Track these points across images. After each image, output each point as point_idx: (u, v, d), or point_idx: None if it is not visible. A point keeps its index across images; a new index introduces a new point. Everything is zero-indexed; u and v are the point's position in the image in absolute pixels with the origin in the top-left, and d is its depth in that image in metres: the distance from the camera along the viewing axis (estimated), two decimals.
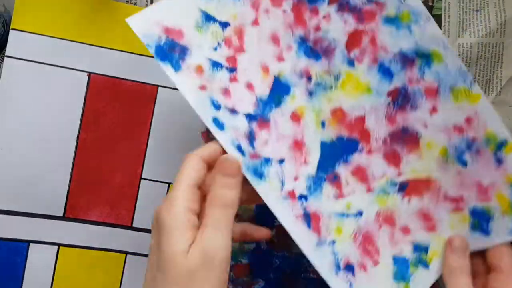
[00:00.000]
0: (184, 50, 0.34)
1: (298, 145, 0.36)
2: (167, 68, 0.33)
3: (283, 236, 0.42)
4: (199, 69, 0.34)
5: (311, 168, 0.36)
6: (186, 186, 0.28)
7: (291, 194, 0.35)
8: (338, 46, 0.36)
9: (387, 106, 0.36)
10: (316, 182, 0.36)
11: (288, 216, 0.35)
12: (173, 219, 0.26)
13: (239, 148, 0.34)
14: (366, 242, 0.37)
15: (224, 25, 0.35)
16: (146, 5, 0.41)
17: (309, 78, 0.36)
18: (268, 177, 0.35)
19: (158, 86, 0.41)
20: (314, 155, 0.36)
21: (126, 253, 0.42)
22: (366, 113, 0.36)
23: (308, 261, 0.43)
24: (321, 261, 0.35)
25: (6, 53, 0.39)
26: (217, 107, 0.34)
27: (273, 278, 0.43)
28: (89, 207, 0.41)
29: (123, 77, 0.41)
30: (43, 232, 0.41)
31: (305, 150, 0.36)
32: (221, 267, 0.26)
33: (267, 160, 0.35)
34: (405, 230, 0.37)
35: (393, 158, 0.37)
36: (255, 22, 0.35)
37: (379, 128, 0.37)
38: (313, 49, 0.36)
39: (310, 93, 0.37)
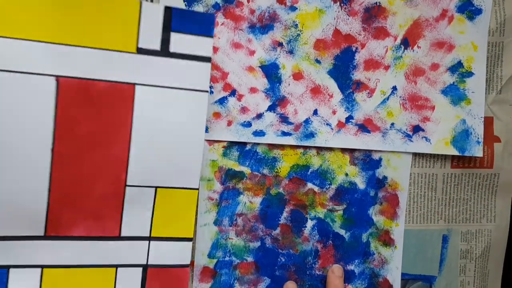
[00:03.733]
0: None
1: (315, 90, 0.42)
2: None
3: (287, 234, 0.44)
4: (216, 115, 0.42)
5: (337, 94, 0.43)
6: None
7: (341, 124, 0.43)
8: (275, 6, 0.42)
9: (340, 7, 0.42)
10: (348, 100, 0.43)
11: (350, 143, 0.43)
12: None
13: (284, 134, 0.42)
14: (414, 101, 0.43)
15: None
16: None
17: (280, 44, 0.42)
18: (317, 131, 0.42)
19: (135, 84, 0.38)
20: (331, 85, 0.43)
21: (116, 266, 0.40)
22: (335, 24, 0.42)
23: (313, 258, 0.45)
24: (393, 146, 0.43)
25: None
26: (248, 125, 0.42)
27: (278, 276, 0.44)
28: (72, 223, 0.38)
29: (95, 77, 0.37)
30: (24, 255, 0.38)
31: (323, 88, 0.43)
32: None
33: (307, 121, 0.42)
34: (434, 67, 0.43)
35: (382, 34, 0.43)
36: (215, 49, 0.41)
37: (351, 25, 0.42)
38: (263, 24, 0.42)
39: (291, 52, 0.42)
